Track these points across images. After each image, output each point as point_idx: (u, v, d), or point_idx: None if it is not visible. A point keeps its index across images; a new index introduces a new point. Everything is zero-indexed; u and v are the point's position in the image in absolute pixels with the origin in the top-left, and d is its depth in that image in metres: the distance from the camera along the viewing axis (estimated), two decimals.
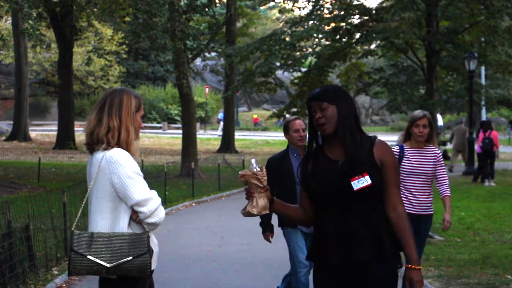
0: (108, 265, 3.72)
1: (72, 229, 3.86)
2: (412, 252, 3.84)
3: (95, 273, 3.78)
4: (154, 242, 3.93)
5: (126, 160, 3.82)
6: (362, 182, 3.78)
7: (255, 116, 56.82)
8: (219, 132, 46.26)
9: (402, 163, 6.75)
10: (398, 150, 6.83)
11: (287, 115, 33.45)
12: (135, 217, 3.83)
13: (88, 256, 3.73)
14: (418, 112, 6.88)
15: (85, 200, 3.95)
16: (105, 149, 3.85)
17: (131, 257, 3.73)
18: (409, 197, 6.78)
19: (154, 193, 3.87)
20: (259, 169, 3.78)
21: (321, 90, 3.90)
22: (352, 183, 3.79)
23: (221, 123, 46.89)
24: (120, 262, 3.73)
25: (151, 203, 3.81)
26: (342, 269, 3.83)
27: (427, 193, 6.85)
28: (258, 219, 6.53)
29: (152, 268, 3.86)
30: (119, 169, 3.80)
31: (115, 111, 3.90)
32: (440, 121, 44.46)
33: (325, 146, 3.94)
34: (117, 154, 3.82)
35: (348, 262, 3.79)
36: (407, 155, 6.81)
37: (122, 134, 3.88)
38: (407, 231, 3.85)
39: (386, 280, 3.83)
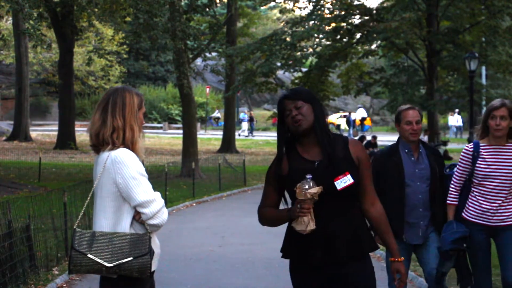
0: (108, 265, 3.72)
1: (74, 227, 3.86)
2: (393, 245, 3.97)
3: (95, 272, 3.78)
4: (156, 244, 3.93)
5: (131, 161, 3.82)
6: (345, 181, 3.83)
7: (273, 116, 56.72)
8: (245, 133, 46.24)
9: (477, 164, 5.50)
10: (471, 149, 5.56)
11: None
12: (138, 217, 3.83)
13: (89, 255, 3.72)
14: (496, 101, 5.53)
15: (88, 198, 3.95)
16: (111, 149, 3.84)
17: (131, 258, 3.73)
18: (483, 205, 5.52)
19: (157, 194, 3.86)
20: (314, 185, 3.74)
21: (295, 89, 3.97)
22: (335, 182, 3.81)
23: (243, 123, 46.91)
24: (120, 262, 3.72)
25: (153, 204, 3.80)
26: (323, 267, 3.87)
27: (508, 201, 5.53)
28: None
29: (153, 269, 3.86)
30: (124, 170, 3.79)
31: (118, 110, 3.88)
32: (459, 121, 44.56)
33: (297, 147, 3.94)
34: (122, 154, 3.82)
35: (330, 261, 3.83)
36: (482, 154, 5.51)
37: (127, 133, 3.87)
38: (387, 226, 3.97)
39: (366, 276, 3.89)
